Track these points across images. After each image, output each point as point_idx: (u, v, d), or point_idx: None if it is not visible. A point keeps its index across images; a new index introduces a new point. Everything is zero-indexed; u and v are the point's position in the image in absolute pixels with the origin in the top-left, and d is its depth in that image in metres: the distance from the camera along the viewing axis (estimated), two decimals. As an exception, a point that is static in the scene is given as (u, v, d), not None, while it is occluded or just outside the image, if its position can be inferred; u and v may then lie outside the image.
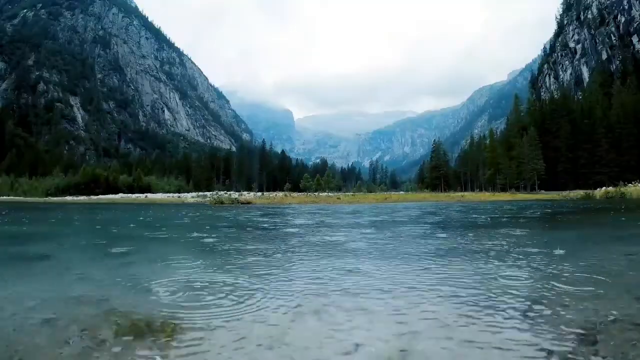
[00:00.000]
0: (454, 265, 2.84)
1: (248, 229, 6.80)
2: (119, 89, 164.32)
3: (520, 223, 7.30)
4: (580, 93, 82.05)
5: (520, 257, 3.21)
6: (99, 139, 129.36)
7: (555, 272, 2.57)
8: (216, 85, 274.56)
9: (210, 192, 38.40)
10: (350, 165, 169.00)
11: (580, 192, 27.98)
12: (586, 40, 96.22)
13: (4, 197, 47.04)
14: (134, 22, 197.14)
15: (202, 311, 1.74)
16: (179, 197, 35.66)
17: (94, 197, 39.83)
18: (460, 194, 38.18)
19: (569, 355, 1.24)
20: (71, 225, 8.46)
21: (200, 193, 41.66)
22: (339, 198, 27.83)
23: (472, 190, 58.00)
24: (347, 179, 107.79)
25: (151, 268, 2.94)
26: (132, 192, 49.55)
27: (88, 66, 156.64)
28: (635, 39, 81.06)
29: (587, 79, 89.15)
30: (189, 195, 38.54)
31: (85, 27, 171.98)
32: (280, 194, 39.06)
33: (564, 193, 33.26)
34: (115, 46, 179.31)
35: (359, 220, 8.39)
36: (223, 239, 5.10)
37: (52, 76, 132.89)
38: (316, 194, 41.16)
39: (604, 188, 23.90)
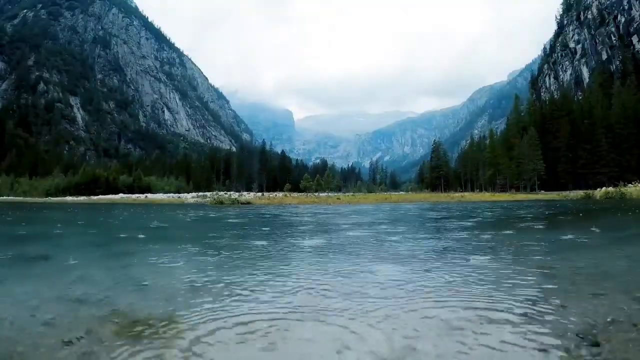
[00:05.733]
0: (453, 266, 2.84)
1: (248, 229, 6.80)
2: (119, 89, 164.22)
3: (521, 224, 7.30)
4: (580, 93, 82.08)
5: (520, 257, 3.21)
6: (99, 139, 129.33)
7: (554, 272, 2.57)
8: (216, 85, 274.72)
9: (210, 193, 38.34)
10: (350, 165, 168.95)
11: (580, 193, 27.96)
12: (586, 40, 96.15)
13: (4, 197, 47.01)
14: (134, 23, 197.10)
15: (202, 311, 1.73)
16: (178, 197, 35.62)
17: (94, 198, 39.78)
18: (460, 194, 38.16)
19: (569, 356, 1.24)
20: (72, 225, 8.45)
21: (200, 193, 41.59)
22: (338, 198, 27.82)
23: (472, 190, 57.98)
24: (347, 179, 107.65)
25: (151, 268, 2.94)
26: (132, 193, 49.50)
27: (88, 66, 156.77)
28: (635, 39, 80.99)
29: (587, 79, 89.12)
30: (189, 195, 38.49)
31: (85, 27, 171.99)
32: (281, 194, 39.03)
33: (564, 193, 33.25)
34: (115, 46, 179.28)
35: (360, 221, 8.38)
36: (222, 239, 5.10)
37: (52, 76, 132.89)
38: (316, 194, 41.13)
39: (604, 188, 23.85)
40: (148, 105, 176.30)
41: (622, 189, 21.71)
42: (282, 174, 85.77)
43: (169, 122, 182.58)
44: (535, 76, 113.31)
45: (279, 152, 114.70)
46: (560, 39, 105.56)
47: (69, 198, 42.51)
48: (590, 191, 25.74)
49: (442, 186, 65.98)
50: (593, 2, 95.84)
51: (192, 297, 2.00)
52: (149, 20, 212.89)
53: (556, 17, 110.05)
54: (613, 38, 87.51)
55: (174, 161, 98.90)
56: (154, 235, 6.07)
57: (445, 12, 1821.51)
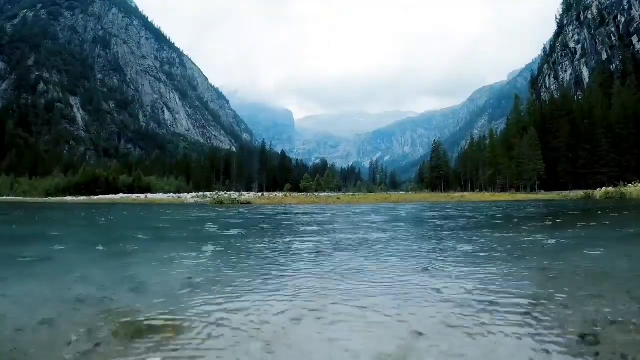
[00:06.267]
0: (453, 266, 2.84)
1: (248, 229, 6.80)
2: (119, 89, 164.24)
3: (521, 224, 7.30)
4: (580, 93, 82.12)
5: (520, 257, 3.21)
6: (99, 139, 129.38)
7: (554, 272, 2.57)
8: (216, 85, 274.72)
9: (210, 193, 38.34)
10: (350, 165, 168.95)
11: (580, 193, 27.97)
12: (586, 40, 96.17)
13: (4, 197, 47.01)
14: (134, 22, 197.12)
15: (202, 311, 1.73)
16: (178, 197, 35.62)
17: (94, 197, 39.78)
18: (460, 194, 38.17)
19: (569, 356, 1.24)
20: (72, 225, 8.45)
21: (200, 193, 41.59)
22: (338, 198, 27.82)
23: (472, 190, 57.98)
24: (347, 179, 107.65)
25: (151, 268, 2.94)
26: (132, 193, 49.49)
27: (88, 66, 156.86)
28: (635, 39, 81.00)
29: (587, 79, 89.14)
30: (189, 195, 38.49)
31: (85, 27, 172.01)
32: (281, 194, 39.04)
33: (564, 193, 33.26)
34: (115, 46, 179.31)
35: (359, 222, 8.38)
36: (222, 239, 5.10)
37: (52, 76, 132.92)
38: (316, 194, 41.14)
39: (604, 188, 23.85)
40: (148, 105, 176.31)
41: (622, 189, 21.71)
42: (282, 174, 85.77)
43: (169, 122, 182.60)
44: (535, 76, 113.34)
45: (279, 152, 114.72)
46: (560, 39, 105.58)
47: (69, 198, 42.50)
48: (590, 191, 25.75)
49: (442, 186, 65.98)
50: (593, 2, 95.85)
51: (191, 297, 2.00)
52: (149, 20, 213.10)
53: (556, 17, 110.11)
54: (613, 38, 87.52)
55: (174, 161, 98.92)
56: (153, 235, 6.07)
57: (445, 12, 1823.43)
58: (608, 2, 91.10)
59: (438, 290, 2.09)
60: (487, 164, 59.90)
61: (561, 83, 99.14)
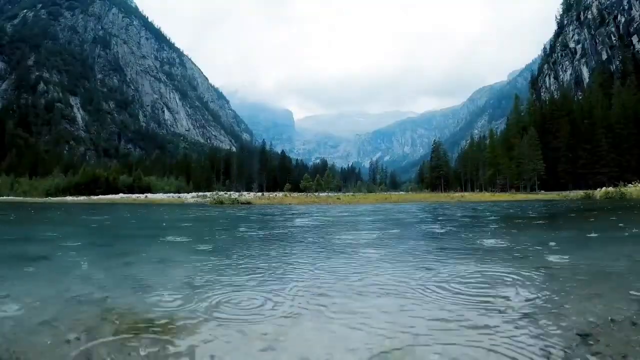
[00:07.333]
0: (452, 265, 2.84)
1: (248, 229, 6.80)
2: (119, 89, 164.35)
3: (520, 223, 7.30)
4: (580, 93, 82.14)
5: (520, 257, 3.21)
6: (99, 139, 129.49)
7: (554, 272, 2.57)
8: (216, 85, 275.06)
9: (210, 193, 38.35)
10: (350, 165, 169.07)
11: (580, 193, 27.95)
12: (586, 40, 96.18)
13: (4, 197, 47.02)
14: (134, 22, 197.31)
15: (202, 311, 1.73)
16: (178, 197, 35.62)
17: (94, 197, 39.81)
18: (460, 194, 38.16)
19: (569, 356, 1.24)
20: (71, 225, 8.45)
21: (200, 193, 41.60)
22: (338, 198, 27.81)
23: (472, 190, 58.00)
24: (347, 179, 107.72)
25: (151, 268, 2.94)
26: (132, 193, 49.52)
27: (88, 66, 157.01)
28: (635, 39, 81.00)
29: (587, 79, 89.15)
30: (189, 195, 38.49)
31: (85, 27, 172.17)
32: (281, 194, 39.04)
33: (564, 193, 33.23)
34: (115, 46, 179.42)
35: (359, 222, 8.38)
36: (221, 239, 5.10)
37: (52, 76, 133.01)
38: (316, 194, 41.13)
39: (604, 188, 23.82)
40: (148, 105, 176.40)
41: (622, 189, 21.68)
42: (282, 174, 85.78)
43: (169, 122, 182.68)
44: (535, 76, 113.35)
45: (279, 152, 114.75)
46: (560, 39, 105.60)
47: (69, 198, 42.52)
48: (590, 191, 25.71)
49: (442, 186, 66.01)
50: (593, 2, 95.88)
51: (191, 297, 2.00)
52: (149, 20, 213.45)
53: (556, 17, 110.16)
54: (613, 38, 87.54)
55: (174, 161, 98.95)
56: (153, 235, 6.07)
57: (445, 12, 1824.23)
58: (608, 2, 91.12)
59: (437, 291, 2.09)
60: (487, 164, 59.90)
61: (561, 83, 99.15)
